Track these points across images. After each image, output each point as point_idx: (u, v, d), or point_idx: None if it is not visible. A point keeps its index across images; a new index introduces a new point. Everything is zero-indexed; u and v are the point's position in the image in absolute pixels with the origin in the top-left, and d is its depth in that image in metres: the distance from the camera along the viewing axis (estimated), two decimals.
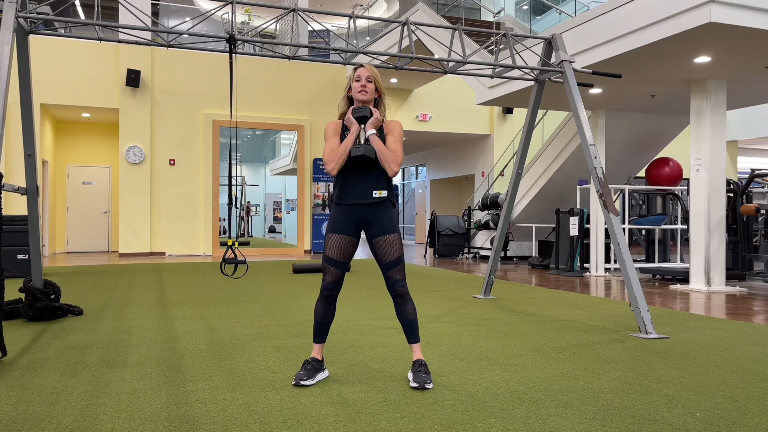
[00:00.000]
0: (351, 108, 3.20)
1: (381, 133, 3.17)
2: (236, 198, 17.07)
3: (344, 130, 3.21)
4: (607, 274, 9.56)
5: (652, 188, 10.03)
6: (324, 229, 14.26)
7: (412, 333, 3.17)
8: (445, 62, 5.80)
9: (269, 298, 6.35)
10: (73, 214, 14.04)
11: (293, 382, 3.07)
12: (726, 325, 4.99)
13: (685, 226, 9.63)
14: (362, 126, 3.15)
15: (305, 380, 3.07)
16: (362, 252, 15.15)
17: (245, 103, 13.54)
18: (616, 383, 3.16)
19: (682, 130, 10.53)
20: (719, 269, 7.48)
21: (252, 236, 19.01)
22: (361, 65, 3.22)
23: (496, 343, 4.18)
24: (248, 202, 19.87)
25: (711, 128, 7.43)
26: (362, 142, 3.13)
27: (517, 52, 6.10)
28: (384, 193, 3.14)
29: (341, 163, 3.10)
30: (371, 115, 3.15)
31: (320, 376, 3.17)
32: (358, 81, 3.17)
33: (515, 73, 6.93)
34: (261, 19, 16.39)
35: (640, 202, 13.01)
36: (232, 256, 4.64)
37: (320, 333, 3.22)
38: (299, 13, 5.28)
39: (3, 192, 3.77)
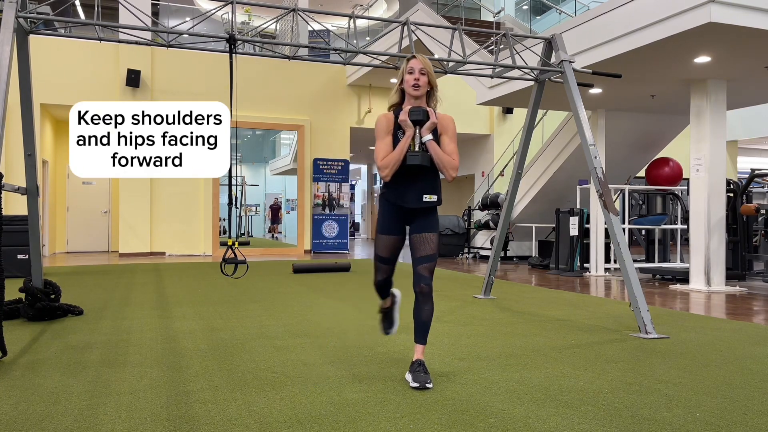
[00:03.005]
0: (408, 109, 3.10)
1: (435, 131, 3.12)
2: (236, 198, 17.07)
3: (397, 129, 3.14)
4: (607, 274, 9.56)
5: (652, 188, 10.03)
6: (324, 229, 14.27)
7: (421, 334, 3.15)
8: (445, 62, 5.80)
9: (269, 298, 6.35)
10: (73, 214, 14.03)
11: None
12: (726, 325, 4.99)
13: (685, 226, 9.62)
14: (417, 129, 3.08)
15: (389, 331, 3.38)
16: (362, 252, 15.15)
17: (245, 103, 13.52)
18: (616, 383, 3.16)
19: (682, 130, 10.52)
20: (719, 269, 7.48)
21: (252, 236, 18.99)
22: (414, 56, 3.14)
23: (496, 343, 4.18)
24: (276, 199, 19.69)
25: (711, 128, 7.43)
26: (417, 146, 3.07)
27: (517, 52, 6.10)
28: (434, 198, 3.16)
29: (395, 169, 3.08)
30: (427, 117, 3.08)
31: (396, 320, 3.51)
32: (411, 74, 3.09)
33: (515, 73, 6.92)
34: (261, 19, 16.38)
35: (640, 202, 13.00)
36: (232, 256, 4.64)
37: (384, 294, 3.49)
38: (299, 13, 5.28)
39: (3, 192, 3.77)
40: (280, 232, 19.14)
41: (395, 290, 3.49)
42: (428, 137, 3.07)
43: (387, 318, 3.58)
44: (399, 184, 3.13)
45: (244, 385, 3.06)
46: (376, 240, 3.23)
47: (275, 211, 19.75)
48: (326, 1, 17.97)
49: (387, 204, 3.20)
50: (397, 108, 3.21)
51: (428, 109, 3.11)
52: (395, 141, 3.12)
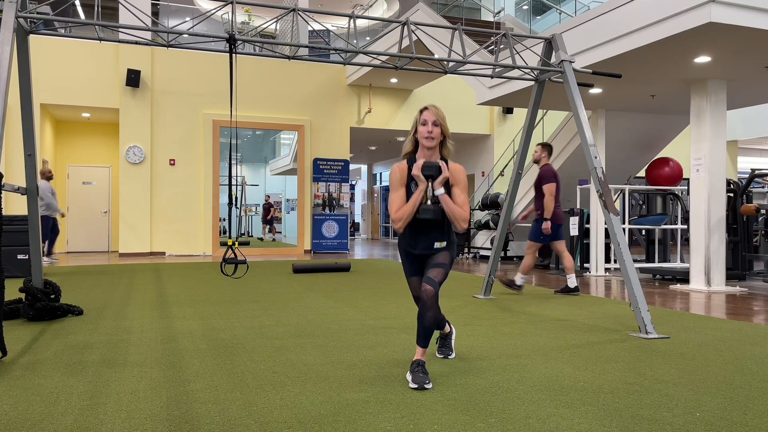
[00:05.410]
0: (421, 163, 3.17)
1: (447, 183, 3.22)
2: (236, 198, 17.03)
3: (410, 180, 3.24)
4: (607, 274, 9.56)
5: (652, 188, 10.03)
6: (324, 229, 14.29)
7: (421, 337, 3.16)
8: (445, 62, 5.80)
9: (269, 298, 6.35)
10: (73, 214, 14.03)
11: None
12: (726, 325, 4.99)
13: (685, 226, 9.63)
14: (430, 183, 3.17)
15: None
16: (362, 252, 15.15)
17: (245, 103, 13.54)
18: (616, 383, 3.16)
19: (682, 130, 10.52)
20: (719, 269, 7.48)
21: (252, 236, 18.96)
22: (427, 108, 3.21)
23: (496, 343, 4.18)
24: (267, 197, 19.35)
25: (711, 128, 7.43)
26: (429, 199, 3.17)
27: (517, 52, 6.10)
28: (444, 243, 3.27)
29: (408, 221, 3.20)
30: (439, 172, 3.16)
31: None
32: (424, 125, 3.18)
33: (515, 73, 6.93)
34: (261, 19, 16.39)
35: (640, 202, 13.00)
36: (233, 256, 4.64)
37: None
38: (299, 13, 5.28)
39: (3, 192, 3.77)
40: (279, 232, 18.96)
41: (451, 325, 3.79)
42: (440, 191, 3.17)
43: (444, 345, 3.76)
44: (410, 235, 3.28)
45: (244, 385, 3.06)
46: (408, 281, 3.41)
47: (266, 210, 19.13)
48: (326, 1, 17.99)
49: (402, 250, 3.37)
50: (410, 156, 3.31)
51: (440, 163, 3.19)
52: (408, 192, 3.24)
